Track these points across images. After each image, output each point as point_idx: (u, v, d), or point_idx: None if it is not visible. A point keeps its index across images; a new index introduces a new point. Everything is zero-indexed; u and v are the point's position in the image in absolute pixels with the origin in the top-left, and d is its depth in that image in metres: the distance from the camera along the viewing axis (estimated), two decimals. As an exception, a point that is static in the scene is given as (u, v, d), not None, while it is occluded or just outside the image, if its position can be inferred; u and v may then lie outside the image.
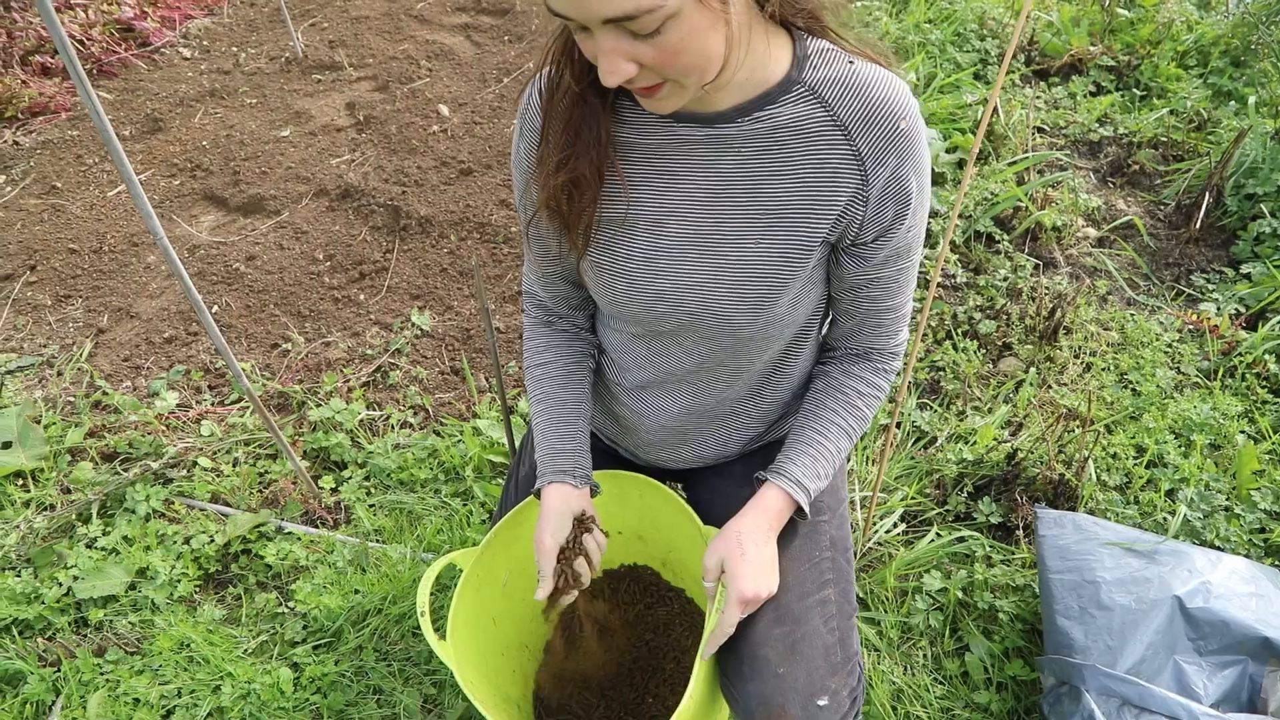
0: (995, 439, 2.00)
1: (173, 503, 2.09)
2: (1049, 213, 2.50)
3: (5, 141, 3.48)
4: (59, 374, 2.50)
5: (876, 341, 1.15)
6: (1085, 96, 3.09)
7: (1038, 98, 3.09)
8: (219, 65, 3.86)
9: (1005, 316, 2.30)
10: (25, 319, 2.71)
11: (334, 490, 2.10)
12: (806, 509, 1.17)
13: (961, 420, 2.08)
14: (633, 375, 1.24)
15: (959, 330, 2.29)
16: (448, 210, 2.93)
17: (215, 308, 2.68)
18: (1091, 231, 2.55)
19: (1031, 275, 2.41)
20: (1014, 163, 2.61)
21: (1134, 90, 3.07)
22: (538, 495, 1.22)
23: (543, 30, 0.88)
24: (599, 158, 1.00)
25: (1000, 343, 2.26)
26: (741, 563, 1.11)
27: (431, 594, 1.81)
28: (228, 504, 2.10)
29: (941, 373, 2.21)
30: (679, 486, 1.58)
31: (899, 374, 1.22)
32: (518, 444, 1.80)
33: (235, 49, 3.98)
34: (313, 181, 3.14)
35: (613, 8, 0.76)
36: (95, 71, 3.80)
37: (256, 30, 4.12)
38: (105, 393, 2.39)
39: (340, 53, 3.83)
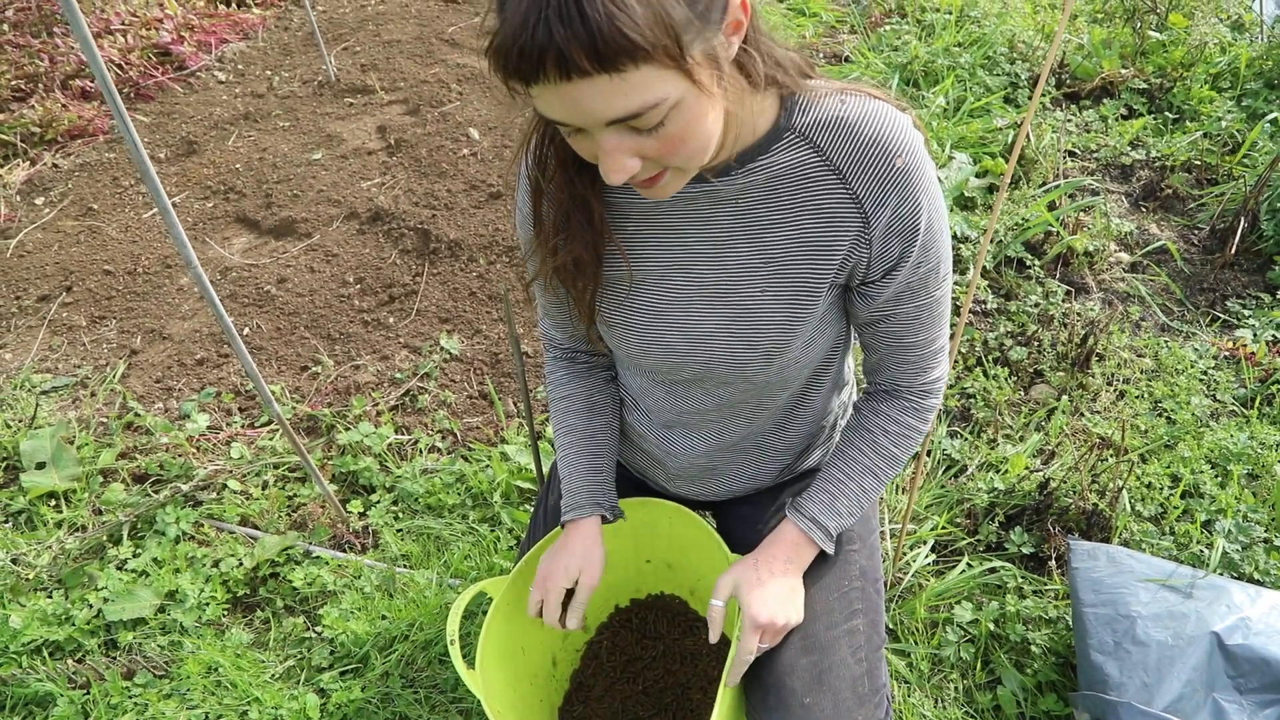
0: (1027, 468, 1.98)
1: (202, 525, 2.11)
2: (1081, 237, 2.48)
3: (45, 164, 3.55)
4: (92, 395, 2.54)
5: (904, 378, 1.13)
6: (1117, 119, 3.06)
7: (1068, 120, 3.07)
8: (253, 89, 3.93)
9: (1036, 343, 2.28)
10: (61, 339, 2.75)
11: (362, 515, 2.11)
12: (825, 547, 1.16)
13: (992, 448, 2.05)
14: (656, 416, 1.24)
15: (989, 357, 2.27)
16: (477, 234, 2.95)
17: (246, 330, 2.72)
18: (1124, 256, 2.52)
19: (1063, 301, 2.38)
20: (1048, 190, 2.59)
21: (1166, 113, 3.04)
22: (563, 526, 1.23)
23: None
24: (595, 238, 0.99)
25: (1032, 369, 2.23)
26: (755, 587, 1.11)
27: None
28: (256, 527, 2.11)
29: (972, 400, 2.19)
30: (709, 515, 1.57)
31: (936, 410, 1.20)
32: (545, 471, 1.80)
33: (269, 72, 4.05)
34: (344, 204, 3.18)
35: (616, 108, 0.73)
36: (132, 95, 3.87)
37: (290, 54, 4.19)
38: (137, 414, 2.42)
39: (372, 76, 3.88)
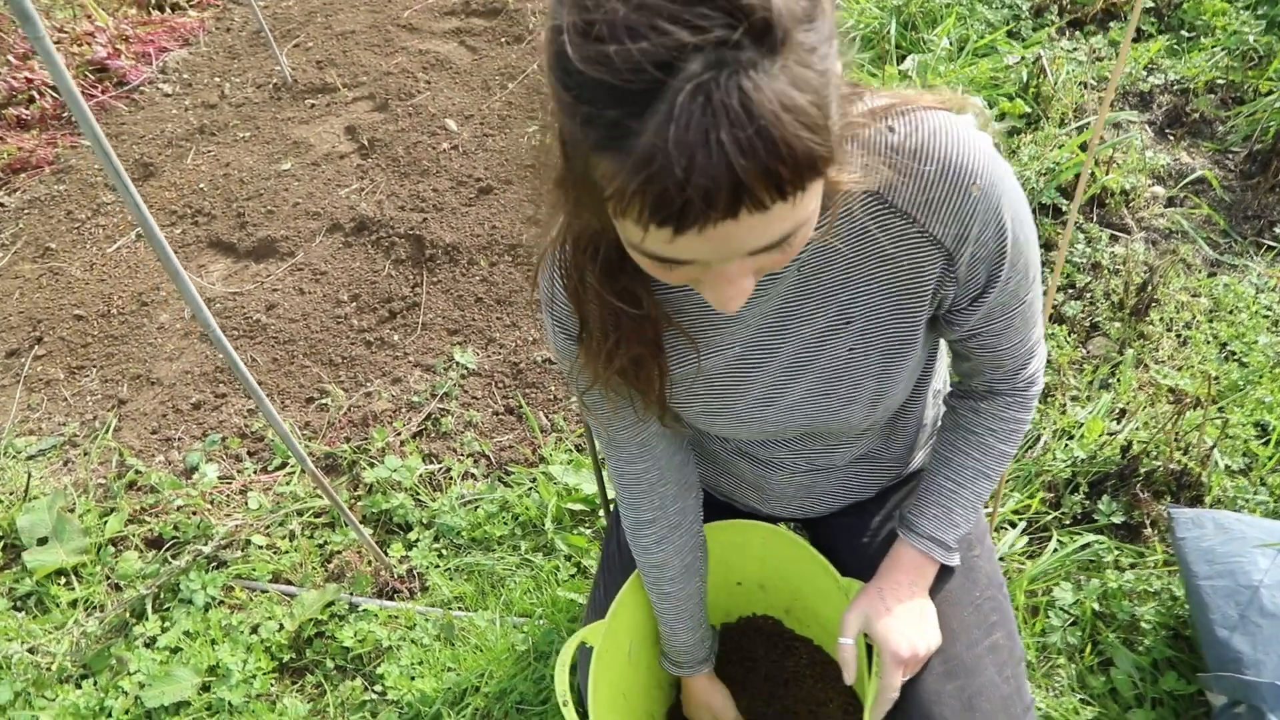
0: (1105, 431, 1.87)
1: (232, 588, 1.95)
2: (1115, 176, 2.36)
3: (-10, 205, 3.30)
4: (85, 454, 2.35)
5: (1001, 380, 1.03)
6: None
7: (1075, 50, 2.93)
8: (204, 99, 3.67)
9: (1089, 294, 2.17)
10: (39, 396, 2.55)
11: (404, 557, 1.96)
12: (948, 561, 1.08)
13: (1063, 414, 1.95)
14: (751, 454, 1.14)
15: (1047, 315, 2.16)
16: (473, 234, 2.77)
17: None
18: (1160, 191, 2.41)
19: (1108, 246, 2.27)
20: (1078, 128, 2.47)
21: (1180, 32, 2.92)
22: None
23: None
24: (652, 330, 0.87)
25: (1087, 323, 2.13)
26: (888, 619, 1.02)
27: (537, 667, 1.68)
28: (290, 583, 1.96)
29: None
30: (802, 529, 1.45)
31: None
32: (610, 496, 1.66)
33: (218, 79, 3.79)
34: (324, 216, 2.98)
35: (772, 234, 0.59)
36: (73, 118, 3.60)
37: (238, 57, 3.93)
38: (139, 471, 2.24)
39: (331, 73, 3.64)
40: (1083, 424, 1.90)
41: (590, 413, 1.01)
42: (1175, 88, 2.70)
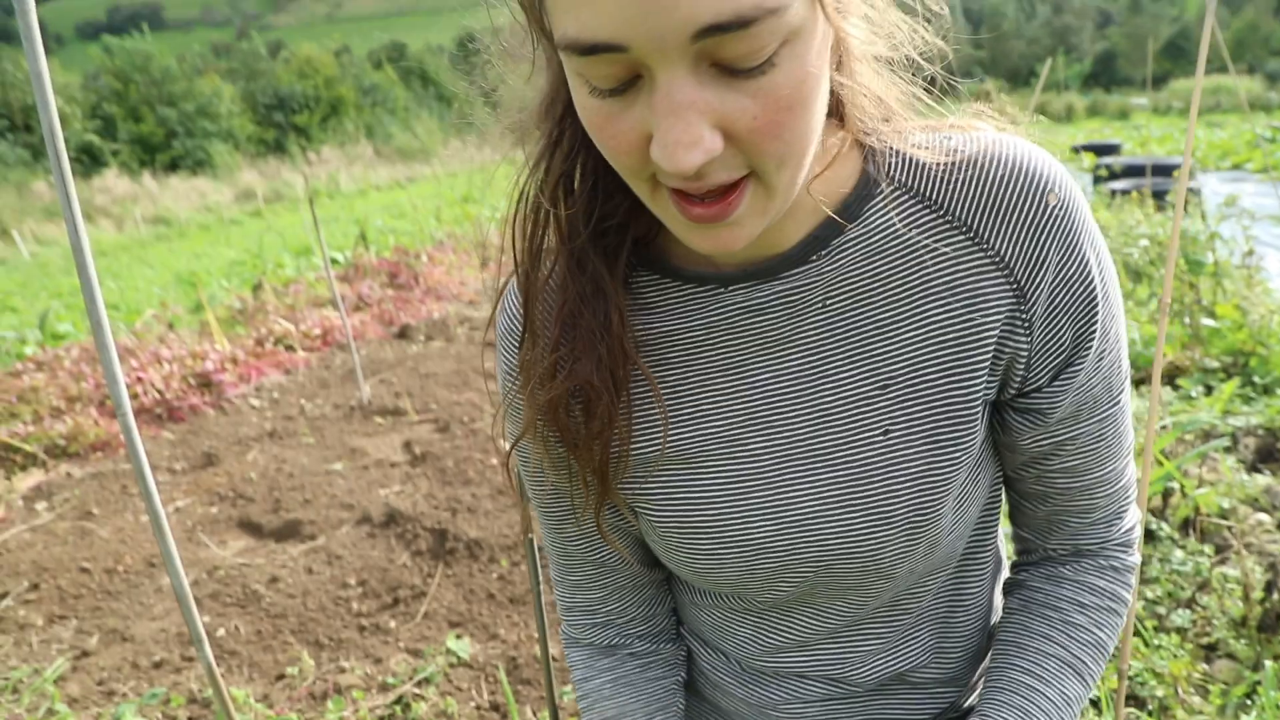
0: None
1: None
2: (1210, 493, 2.12)
3: (58, 473, 3.43)
4: (14, 693, 2.07)
5: (1093, 533, 0.72)
6: (1200, 396, 2.86)
7: (1141, 400, 2.85)
8: (284, 413, 3.87)
9: (1199, 607, 1.82)
10: (6, 638, 2.34)
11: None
12: None
13: (1190, 740, 1.50)
14: (740, 657, 0.79)
15: (1148, 624, 1.80)
16: (500, 534, 2.62)
17: (221, 631, 2.29)
18: (1265, 518, 2.13)
19: (1213, 565, 1.96)
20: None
21: (1250, 385, 2.86)
22: None
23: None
24: (612, 353, 0.63)
25: (1202, 643, 1.74)
26: None
27: None
28: None
29: (1133, 680, 1.67)
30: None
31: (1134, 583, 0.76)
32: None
33: (304, 400, 4.03)
34: (357, 509, 2.90)
35: (720, 5, 0.43)
36: (165, 415, 3.82)
37: (327, 386, 4.21)
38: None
39: (405, 401, 3.82)
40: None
41: (540, 493, 0.73)
42: (1259, 430, 2.55)
